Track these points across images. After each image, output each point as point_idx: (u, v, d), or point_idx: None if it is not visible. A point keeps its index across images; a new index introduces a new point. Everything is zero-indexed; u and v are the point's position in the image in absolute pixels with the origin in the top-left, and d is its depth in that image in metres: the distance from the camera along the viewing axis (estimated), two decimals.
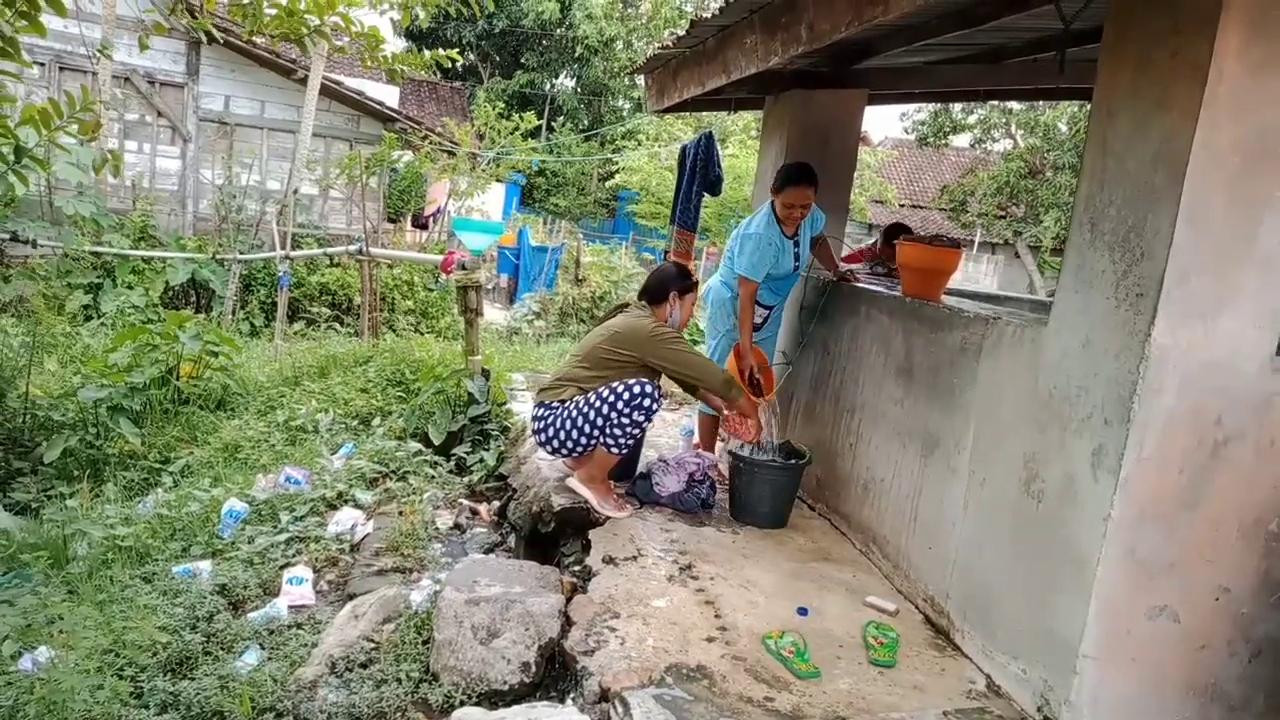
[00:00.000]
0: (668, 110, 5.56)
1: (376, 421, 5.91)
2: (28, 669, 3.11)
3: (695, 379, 3.99)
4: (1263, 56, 2.18)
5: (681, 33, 4.40)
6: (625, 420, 3.75)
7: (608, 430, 3.77)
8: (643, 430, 3.88)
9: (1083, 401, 2.54)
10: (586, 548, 3.65)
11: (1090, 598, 2.45)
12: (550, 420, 3.89)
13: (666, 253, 6.27)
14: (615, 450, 3.84)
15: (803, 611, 3.20)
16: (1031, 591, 2.71)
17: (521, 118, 16.36)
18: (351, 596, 3.64)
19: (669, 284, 4.11)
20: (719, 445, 4.76)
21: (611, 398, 3.75)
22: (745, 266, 4.14)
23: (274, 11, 3.78)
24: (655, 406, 3.80)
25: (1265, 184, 2.27)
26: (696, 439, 5.05)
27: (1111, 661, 2.48)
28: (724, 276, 4.50)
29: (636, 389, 3.74)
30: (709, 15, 3.94)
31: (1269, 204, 2.29)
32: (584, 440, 3.83)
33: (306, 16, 3.80)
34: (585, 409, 3.80)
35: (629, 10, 29.29)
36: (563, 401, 3.89)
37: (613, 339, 3.94)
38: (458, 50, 4.65)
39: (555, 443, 3.90)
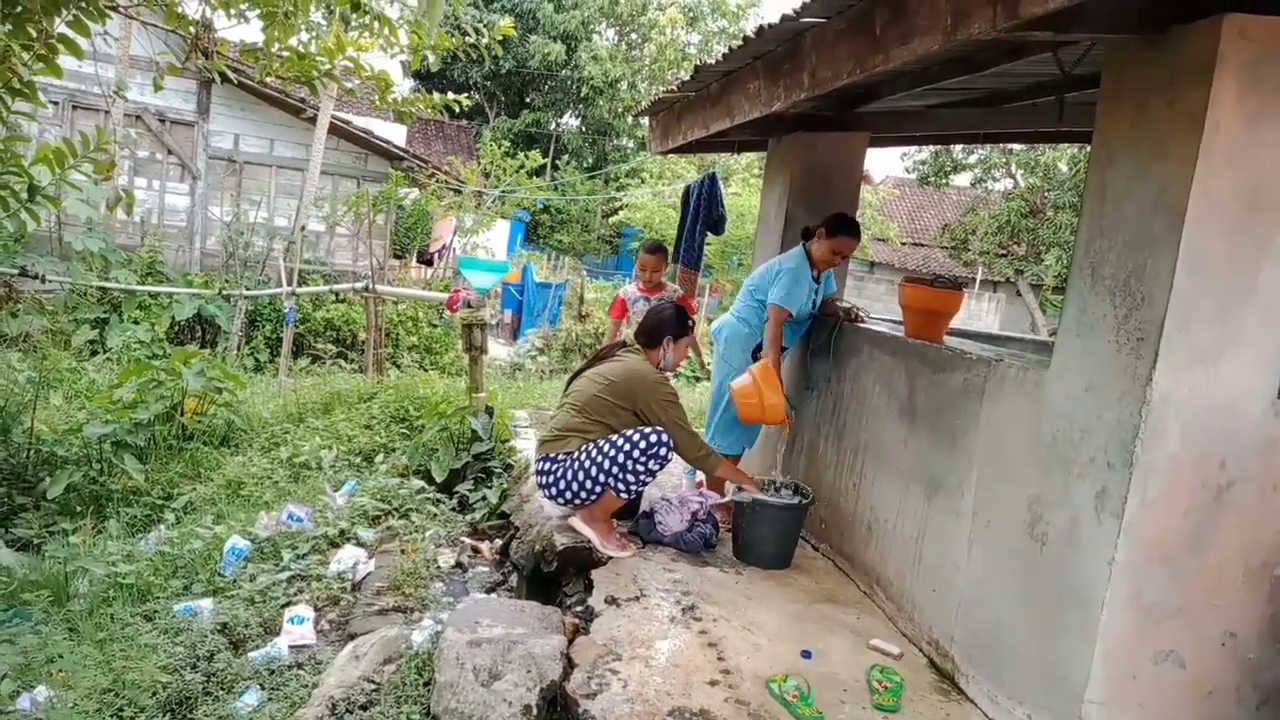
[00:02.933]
0: (671, 151, 5.63)
1: (380, 458, 5.91)
2: (26, 709, 3.09)
3: (676, 443, 3.87)
4: (1258, 107, 2.22)
5: (686, 76, 4.47)
6: (640, 468, 3.76)
7: (621, 477, 3.77)
8: (655, 476, 3.88)
9: (1086, 445, 2.55)
10: (589, 588, 3.63)
11: (1096, 642, 2.43)
12: (559, 474, 3.88)
13: None
14: (625, 495, 3.85)
15: (806, 654, 3.17)
16: (1036, 635, 2.69)
17: (527, 156, 16.59)
18: (353, 636, 3.62)
19: (664, 329, 4.12)
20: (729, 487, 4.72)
21: (627, 446, 3.76)
22: (779, 296, 4.23)
23: (285, 55, 3.86)
24: (670, 456, 3.82)
25: (1264, 230, 2.30)
26: (700, 477, 5.04)
27: (1118, 707, 2.46)
28: (741, 313, 4.53)
29: (653, 438, 3.75)
30: (713, 60, 4.01)
31: (1268, 250, 2.31)
32: (596, 489, 3.82)
33: (317, 60, 3.88)
34: (597, 457, 3.80)
35: (633, 53, 29.71)
36: (569, 454, 3.88)
37: (610, 388, 3.94)
38: (465, 91, 4.73)
39: (568, 494, 3.88)
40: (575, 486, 3.84)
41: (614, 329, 5.39)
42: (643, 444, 3.74)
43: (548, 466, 3.93)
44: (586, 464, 3.81)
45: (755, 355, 4.45)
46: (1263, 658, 2.49)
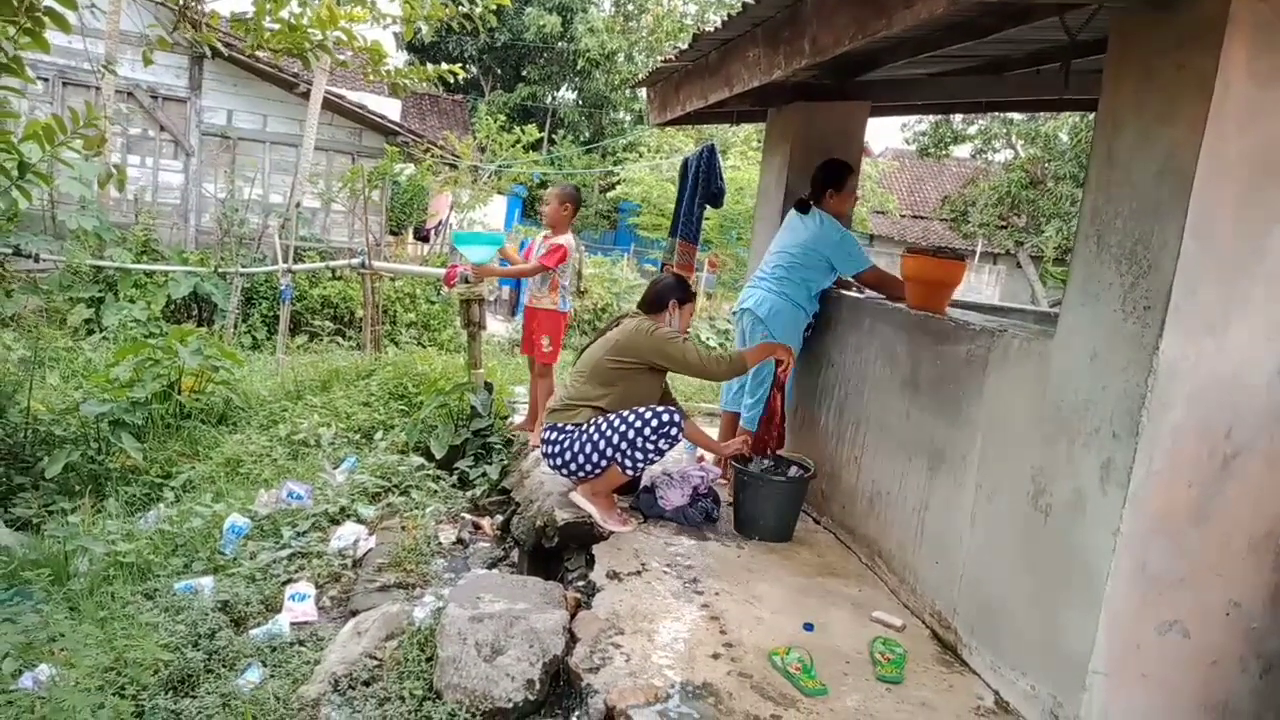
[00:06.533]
0: (670, 123, 5.57)
1: (379, 435, 5.90)
2: (28, 687, 3.09)
3: (701, 373, 3.98)
4: (1270, 69, 2.18)
5: (684, 46, 4.40)
6: (649, 446, 3.74)
7: (629, 454, 3.76)
8: (663, 455, 3.87)
9: (1090, 415, 2.53)
10: (590, 562, 3.63)
11: (1100, 612, 2.42)
12: (566, 444, 3.87)
13: (664, 264, 6.26)
14: (630, 472, 3.83)
15: (809, 627, 3.17)
16: (1040, 606, 2.69)
17: (523, 130, 16.42)
18: (354, 613, 3.62)
19: (668, 293, 4.13)
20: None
21: (638, 423, 3.73)
22: (863, 257, 4.29)
23: (276, 26, 3.79)
24: (680, 436, 3.81)
25: (1273, 196, 2.26)
26: (700, 451, 5.03)
27: (1122, 677, 2.45)
28: (789, 293, 4.31)
29: (665, 417, 3.73)
30: (711, 29, 3.94)
31: (1276, 216, 2.27)
32: (602, 463, 3.81)
33: (309, 31, 3.81)
34: (607, 432, 3.78)
35: (630, 24, 29.41)
36: (578, 425, 3.87)
37: (614, 348, 3.94)
38: (460, 64, 4.66)
39: (573, 465, 3.87)
40: (581, 459, 3.82)
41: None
42: (654, 422, 3.72)
43: (555, 436, 3.92)
44: (595, 438, 3.80)
45: (805, 333, 4.40)
46: (1266, 627, 2.48)
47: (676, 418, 3.76)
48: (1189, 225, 2.24)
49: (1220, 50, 2.16)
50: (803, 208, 4.41)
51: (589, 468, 3.84)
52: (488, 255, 5.47)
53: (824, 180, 4.37)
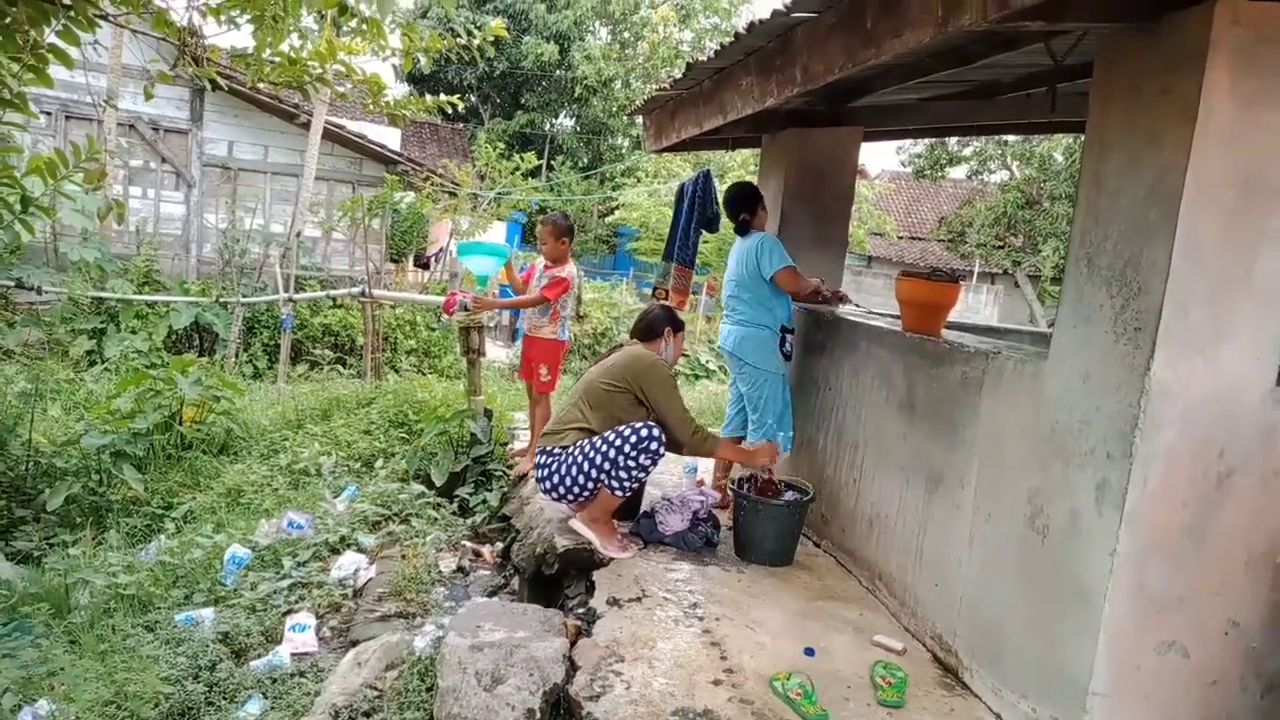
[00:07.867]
0: (666, 150, 5.62)
1: (379, 463, 5.90)
2: None
3: (670, 423, 3.88)
4: (1252, 92, 2.21)
5: (678, 75, 4.46)
6: (631, 463, 3.74)
7: (613, 473, 3.76)
8: (648, 473, 3.87)
9: (1085, 436, 2.54)
10: (590, 589, 3.62)
11: (1098, 633, 2.42)
12: (554, 467, 3.88)
13: (657, 288, 6.27)
14: (620, 493, 3.83)
15: (810, 652, 3.16)
16: (1039, 628, 2.69)
17: (522, 157, 16.56)
18: (354, 643, 3.61)
19: (660, 322, 4.18)
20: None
21: (618, 441, 3.74)
22: (782, 259, 4.27)
23: (276, 60, 3.84)
24: (661, 450, 3.80)
25: (1260, 216, 2.29)
26: (700, 475, 5.03)
27: (1122, 698, 2.45)
28: (754, 318, 4.37)
29: (644, 431, 3.73)
30: (705, 58, 4.00)
31: (1264, 236, 2.30)
32: (590, 485, 3.81)
33: (309, 64, 3.86)
34: (590, 453, 3.79)
35: (627, 51, 29.70)
36: (565, 448, 3.88)
37: (609, 370, 3.98)
38: (458, 93, 4.72)
39: (561, 489, 3.87)
40: (569, 482, 3.83)
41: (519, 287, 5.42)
42: (633, 439, 3.73)
43: (545, 460, 3.93)
44: (580, 460, 3.81)
45: (783, 350, 4.42)
46: (1266, 646, 2.48)
47: (656, 431, 3.75)
48: (1178, 246, 2.27)
49: (1204, 73, 2.20)
50: (742, 229, 4.52)
51: (577, 490, 3.84)
52: (491, 266, 5.47)
53: (752, 205, 4.49)
